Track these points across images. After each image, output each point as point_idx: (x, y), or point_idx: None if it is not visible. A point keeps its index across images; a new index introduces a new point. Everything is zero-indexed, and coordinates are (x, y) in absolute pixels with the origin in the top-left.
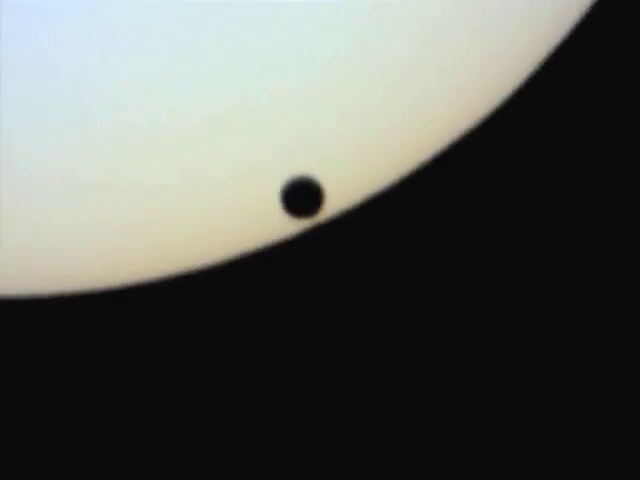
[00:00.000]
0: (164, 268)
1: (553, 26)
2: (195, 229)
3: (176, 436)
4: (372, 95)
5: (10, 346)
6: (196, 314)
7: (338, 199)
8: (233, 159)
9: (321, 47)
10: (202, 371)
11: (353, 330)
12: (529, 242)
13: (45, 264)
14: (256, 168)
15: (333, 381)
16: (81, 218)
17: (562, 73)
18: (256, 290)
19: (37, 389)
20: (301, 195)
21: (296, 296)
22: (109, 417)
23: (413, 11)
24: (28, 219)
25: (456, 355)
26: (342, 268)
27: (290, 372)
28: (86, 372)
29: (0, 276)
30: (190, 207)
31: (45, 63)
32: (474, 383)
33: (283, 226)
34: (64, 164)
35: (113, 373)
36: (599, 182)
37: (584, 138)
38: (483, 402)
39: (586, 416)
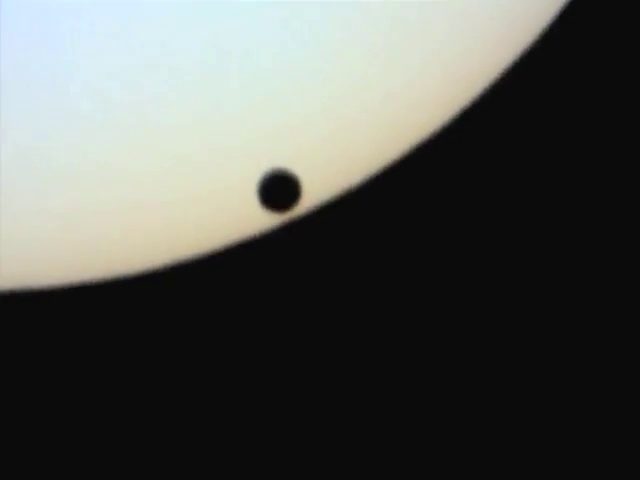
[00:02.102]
0: (140, 262)
1: (536, 14)
2: (172, 223)
3: (164, 427)
4: (349, 88)
5: (3, 339)
6: (173, 308)
7: (316, 192)
8: (210, 153)
9: (298, 42)
10: (179, 363)
11: (329, 323)
12: (507, 241)
13: (24, 259)
14: (233, 161)
15: (313, 372)
16: (57, 212)
17: (543, 64)
18: (233, 283)
19: (30, 380)
20: (278, 188)
21: (272, 290)
22: (102, 410)
23: (389, 3)
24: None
25: (442, 345)
26: (319, 261)
27: (266, 366)
28: (65, 365)
29: None
30: (167, 200)
31: None
32: (461, 376)
33: (260, 219)
34: (50, 158)
35: (90, 365)
36: (587, 169)
37: (567, 127)
38: (476, 396)
39: (586, 416)
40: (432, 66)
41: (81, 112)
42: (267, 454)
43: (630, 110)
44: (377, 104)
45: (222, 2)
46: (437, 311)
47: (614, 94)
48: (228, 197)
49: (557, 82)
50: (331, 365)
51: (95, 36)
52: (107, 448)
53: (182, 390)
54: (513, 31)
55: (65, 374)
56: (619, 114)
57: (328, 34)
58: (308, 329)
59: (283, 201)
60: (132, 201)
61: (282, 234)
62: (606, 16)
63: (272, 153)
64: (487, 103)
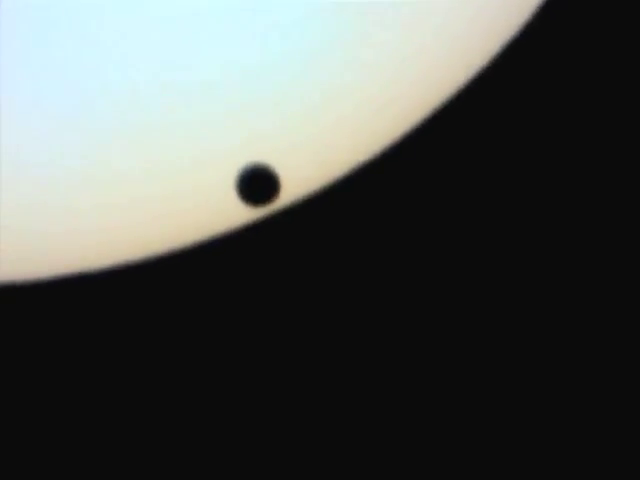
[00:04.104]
0: (118, 257)
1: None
2: (150, 217)
3: (157, 423)
4: (328, 83)
5: None
6: (152, 302)
7: (294, 187)
8: (189, 147)
9: (277, 37)
10: (159, 355)
11: (307, 318)
12: (495, 237)
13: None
14: (212, 156)
15: (294, 368)
16: (39, 209)
17: (524, 60)
18: (211, 278)
19: (25, 373)
20: (257, 183)
21: (251, 285)
22: (95, 402)
23: None
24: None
25: (431, 340)
26: (298, 256)
27: (246, 362)
28: (53, 357)
29: None
30: (145, 195)
31: None
32: (453, 372)
33: (239, 214)
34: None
35: (74, 358)
36: (578, 158)
37: (553, 116)
38: (473, 394)
39: (586, 416)
40: (413, 60)
41: (63, 113)
42: (259, 450)
43: (620, 97)
44: (356, 99)
45: (205, 2)
46: (420, 303)
47: (601, 84)
48: (207, 192)
49: (545, 72)
50: (313, 359)
51: (85, 36)
52: (104, 440)
53: (165, 384)
54: (499, 22)
55: (55, 366)
56: (607, 103)
57: (306, 31)
58: (287, 324)
59: (262, 196)
60: (111, 196)
61: (261, 229)
62: (588, 8)
63: (251, 148)
64: (462, 103)
